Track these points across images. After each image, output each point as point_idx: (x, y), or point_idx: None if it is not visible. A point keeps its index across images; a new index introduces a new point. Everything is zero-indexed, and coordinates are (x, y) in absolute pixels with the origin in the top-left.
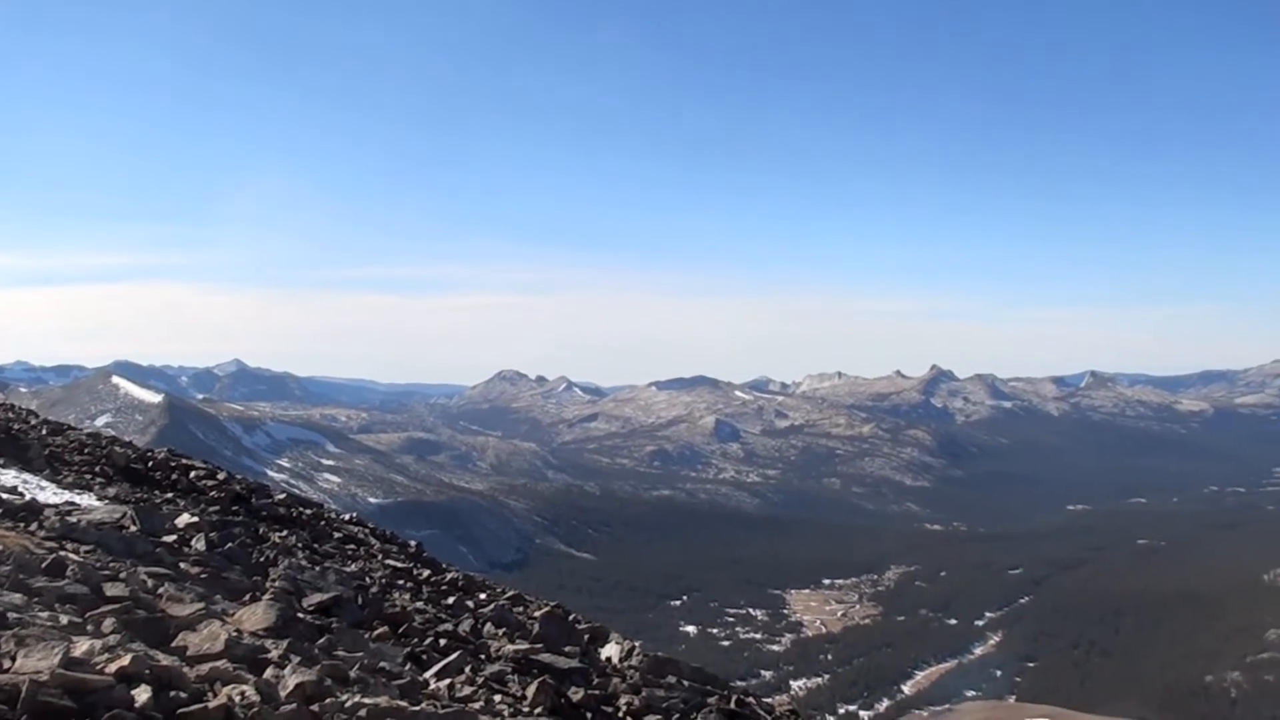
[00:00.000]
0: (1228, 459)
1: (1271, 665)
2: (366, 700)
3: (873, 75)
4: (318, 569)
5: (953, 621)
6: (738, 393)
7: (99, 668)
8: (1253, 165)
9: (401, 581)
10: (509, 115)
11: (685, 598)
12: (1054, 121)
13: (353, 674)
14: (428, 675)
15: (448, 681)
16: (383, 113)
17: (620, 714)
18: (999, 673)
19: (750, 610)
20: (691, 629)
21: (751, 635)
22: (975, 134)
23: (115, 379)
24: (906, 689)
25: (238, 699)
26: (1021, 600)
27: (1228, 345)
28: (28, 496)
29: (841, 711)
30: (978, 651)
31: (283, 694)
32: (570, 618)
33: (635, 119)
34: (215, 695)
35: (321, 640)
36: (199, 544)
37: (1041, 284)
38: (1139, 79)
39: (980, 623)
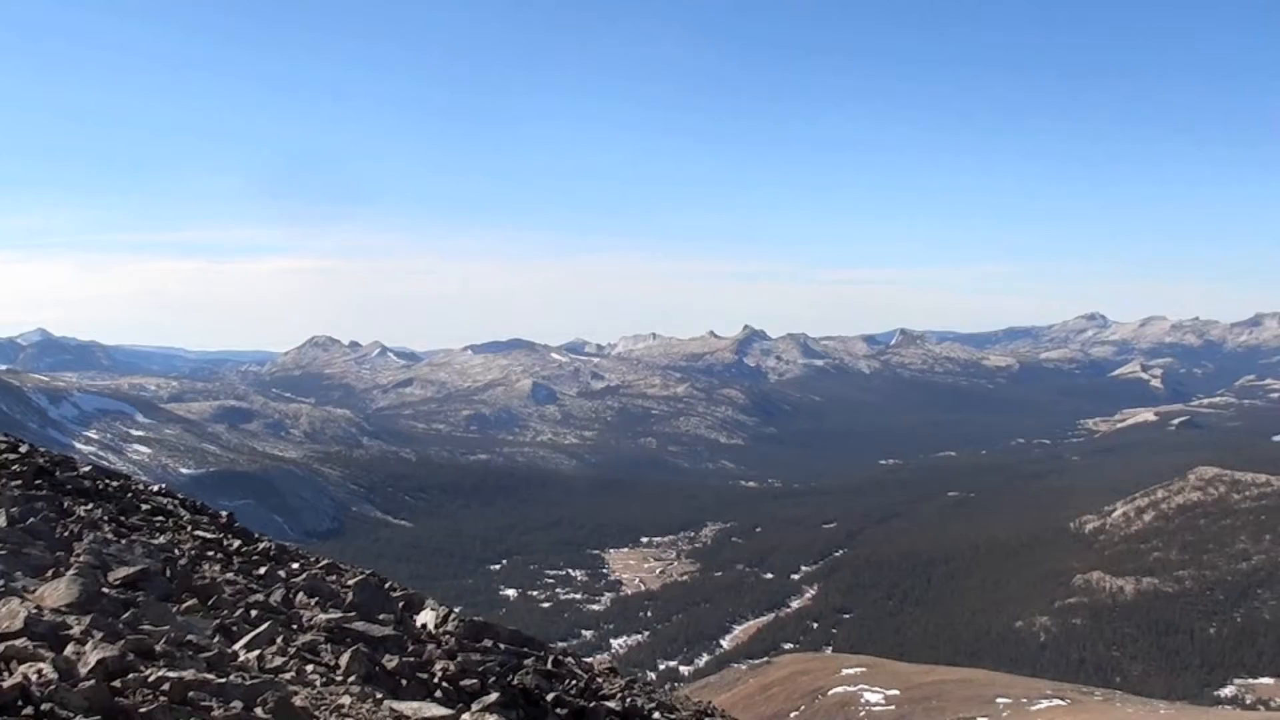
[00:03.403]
0: (1033, 412)
1: (1078, 609)
2: (171, 674)
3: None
4: (124, 542)
5: (769, 576)
6: (554, 355)
7: None
8: (1053, 128)
9: (212, 553)
10: (311, 73)
11: (505, 561)
12: (861, 82)
13: (158, 648)
14: (237, 647)
15: (257, 653)
16: (188, 73)
17: (436, 680)
18: (815, 625)
19: (570, 571)
20: (511, 592)
21: (571, 596)
22: (783, 93)
23: None
24: (725, 643)
25: (34, 678)
26: (836, 554)
27: (1032, 302)
28: None
29: (662, 667)
30: (794, 605)
31: (83, 671)
32: (385, 585)
33: (440, 72)
34: (10, 674)
35: (127, 615)
36: None
37: (852, 245)
38: (947, 39)
39: (796, 576)
